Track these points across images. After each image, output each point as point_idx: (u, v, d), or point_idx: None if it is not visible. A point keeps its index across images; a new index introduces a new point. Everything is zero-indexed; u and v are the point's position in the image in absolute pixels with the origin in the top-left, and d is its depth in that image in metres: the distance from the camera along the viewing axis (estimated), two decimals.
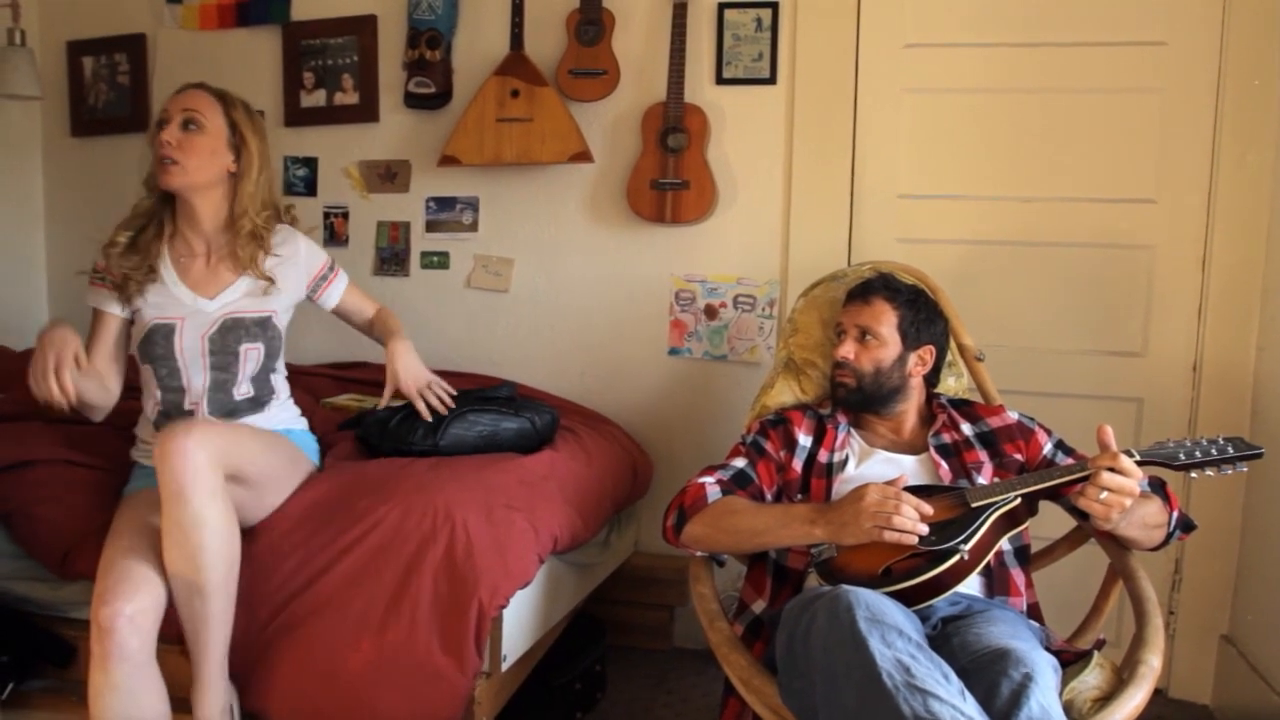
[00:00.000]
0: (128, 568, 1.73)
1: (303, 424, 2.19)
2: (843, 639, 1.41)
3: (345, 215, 3.00)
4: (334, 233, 3.00)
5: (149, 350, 2.00)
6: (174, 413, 2.01)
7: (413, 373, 2.14)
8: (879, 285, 2.01)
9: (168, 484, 1.68)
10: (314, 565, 1.85)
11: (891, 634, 1.40)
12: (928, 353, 1.99)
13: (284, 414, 2.13)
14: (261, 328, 2.04)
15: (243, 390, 2.05)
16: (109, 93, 3.16)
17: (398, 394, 2.14)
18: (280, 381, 2.14)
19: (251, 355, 2.04)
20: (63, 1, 3.19)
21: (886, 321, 1.96)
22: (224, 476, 1.74)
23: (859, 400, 1.98)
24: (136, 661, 1.69)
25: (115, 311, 2.02)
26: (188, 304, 2.00)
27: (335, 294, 2.21)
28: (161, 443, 1.70)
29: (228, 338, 2.01)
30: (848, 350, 1.97)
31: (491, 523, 1.88)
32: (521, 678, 2.14)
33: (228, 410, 2.03)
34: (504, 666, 1.93)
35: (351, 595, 1.82)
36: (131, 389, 2.10)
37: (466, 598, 1.79)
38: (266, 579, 1.84)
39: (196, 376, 2.00)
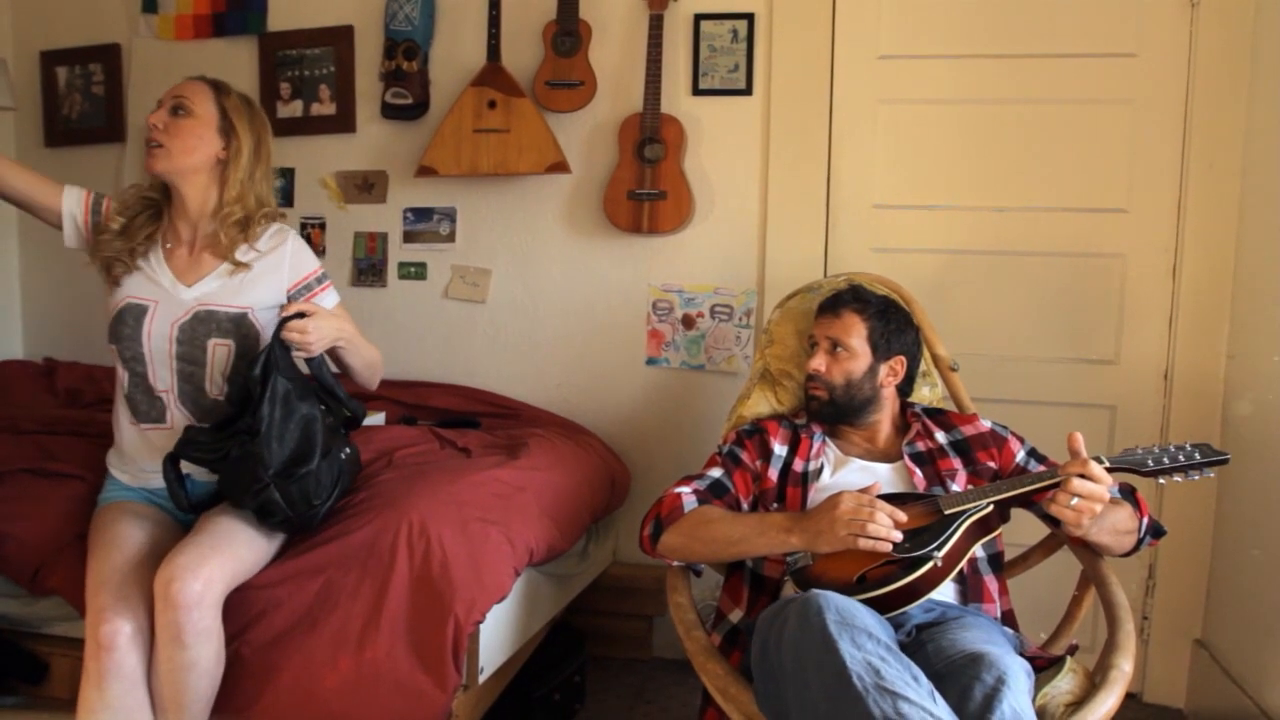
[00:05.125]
0: (124, 584, 1.72)
1: None
2: (813, 642, 1.42)
3: (322, 226, 2.99)
4: (311, 243, 2.97)
5: (118, 329, 1.92)
6: (143, 398, 1.94)
7: (324, 330, 1.87)
8: (848, 298, 2.03)
9: (166, 625, 1.68)
10: (289, 584, 1.83)
11: (861, 636, 1.42)
12: (899, 363, 2.00)
13: None
14: (235, 324, 1.93)
15: (218, 388, 1.94)
16: (83, 103, 3.13)
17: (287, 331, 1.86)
18: None
19: (220, 352, 1.93)
20: (36, 11, 3.16)
21: (856, 333, 1.98)
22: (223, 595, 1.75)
23: (832, 412, 1.99)
24: (133, 680, 1.68)
25: (75, 203, 2.00)
26: (165, 287, 1.94)
27: None
28: (168, 577, 1.68)
29: (197, 330, 1.92)
30: (819, 363, 1.99)
31: (466, 537, 1.88)
32: (500, 689, 2.14)
33: (203, 408, 1.93)
34: (481, 678, 1.93)
35: (328, 614, 1.81)
36: (104, 400, 2.07)
37: (443, 613, 1.78)
38: (241, 599, 1.82)
39: (162, 367, 1.93)
